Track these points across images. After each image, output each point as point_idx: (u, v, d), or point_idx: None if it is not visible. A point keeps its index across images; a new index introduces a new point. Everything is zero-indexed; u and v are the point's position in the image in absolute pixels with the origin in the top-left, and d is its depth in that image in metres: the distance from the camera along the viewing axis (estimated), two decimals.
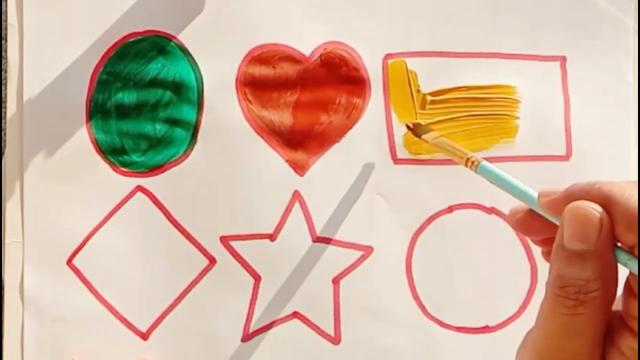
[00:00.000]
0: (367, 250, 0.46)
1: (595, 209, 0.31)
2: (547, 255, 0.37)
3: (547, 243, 0.36)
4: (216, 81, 0.47)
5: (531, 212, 0.36)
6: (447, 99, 0.47)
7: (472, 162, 0.41)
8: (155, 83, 0.47)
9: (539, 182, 0.46)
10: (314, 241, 0.46)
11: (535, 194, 0.35)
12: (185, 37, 0.47)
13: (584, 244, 0.31)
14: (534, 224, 0.36)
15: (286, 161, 0.46)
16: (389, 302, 0.46)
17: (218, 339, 0.46)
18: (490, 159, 0.46)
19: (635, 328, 0.30)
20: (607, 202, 0.31)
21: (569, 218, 0.32)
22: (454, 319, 0.46)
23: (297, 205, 0.46)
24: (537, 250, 0.46)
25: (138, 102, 0.47)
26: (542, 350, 0.33)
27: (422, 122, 0.46)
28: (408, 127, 0.46)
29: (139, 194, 0.46)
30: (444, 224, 0.46)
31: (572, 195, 0.33)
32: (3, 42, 0.47)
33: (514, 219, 0.36)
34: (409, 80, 0.47)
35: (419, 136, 0.45)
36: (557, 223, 0.33)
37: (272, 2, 0.47)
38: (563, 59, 0.47)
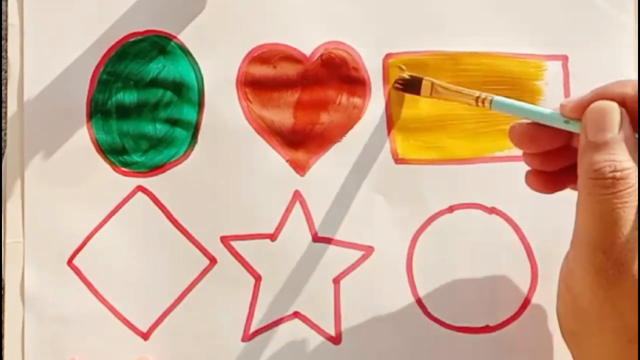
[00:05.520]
0: (368, 250, 0.46)
1: (611, 104, 0.35)
2: (533, 167, 0.41)
3: (540, 157, 0.40)
4: (217, 81, 0.47)
5: (536, 126, 0.39)
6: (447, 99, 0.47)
7: (483, 100, 0.42)
8: (155, 83, 0.47)
9: None
10: (314, 241, 0.46)
11: (549, 111, 0.39)
12: (185, 37, 0.47)
13: (608, 132, 0.35)
14: (539, 136, 0.39)
15: (287, 161, 0.46)
16: (389, 302, 0.46)
17: (218, 339, 0.46)
18: (490, 159, 0.46)
19: None
20: (623, 99, 0.35)
21: (590, 116, 0.36)
22: (454, 319, 0.46)
23: (297, 205, 0.46)
24: (537, 250, 0.46)
25: (138, 102, 0.47)
26: (591, 241, 0.34)
27: (406, 74, 0.46)
28: (398, 86, 0.45)
29: (140, 194, 0.46)
30: (444, 224, 0.46)
31: (593, 97, 0.37)
32: (3, 42, 0.47)
33: (519, 130, 0.40)
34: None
35: (415, 93, 0.45)
36: (576, 131, 0.37)
37: (272, 2, 0.47)
38: (565, 59, 0.47)
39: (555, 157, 0.40)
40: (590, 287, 0.35)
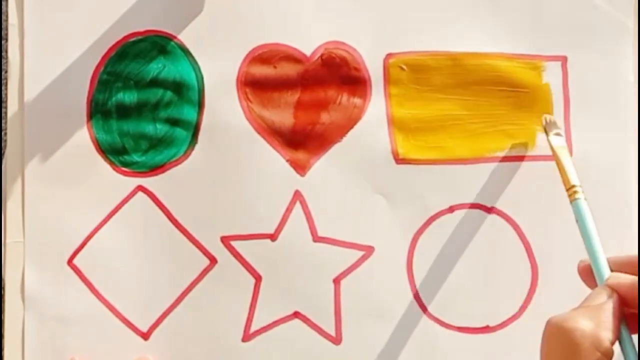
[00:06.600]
0: (368, 250, 0.46)
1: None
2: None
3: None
4: (217, 81, 0.47)
5: None
6: (447, 97, 0.47)
7: (571, 194, 0.39)
8: (155, 83, 0.47)
9: (539, 182, 0.46)
10: (314, 241, 0.46)
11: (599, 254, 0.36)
12: (185, 37, 0.47)
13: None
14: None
15: (287, 161, 0.46)
16: (389, 302, 0.46)
17: (219, 339, 0.46)
18: (490, 159, 0.46)
19: None
20: None
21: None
22: (455, 319, 0.46)
23: (298, 205, 0.46)
24: (537, 250, 0.46)
25: (139, 102, 0.47)
26: None
27: (557, 121, 0.43)
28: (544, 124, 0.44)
29: (140, 194, 0.46)
30: (444, 224, 0.46)
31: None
32: (4, 42, 0.47)
33: (582, 265, 0.37)
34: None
35: (547, 134, 0.43)
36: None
37: (272, 2, 0.47)
38: (564, 59, 0.47)
39: None
40: None
